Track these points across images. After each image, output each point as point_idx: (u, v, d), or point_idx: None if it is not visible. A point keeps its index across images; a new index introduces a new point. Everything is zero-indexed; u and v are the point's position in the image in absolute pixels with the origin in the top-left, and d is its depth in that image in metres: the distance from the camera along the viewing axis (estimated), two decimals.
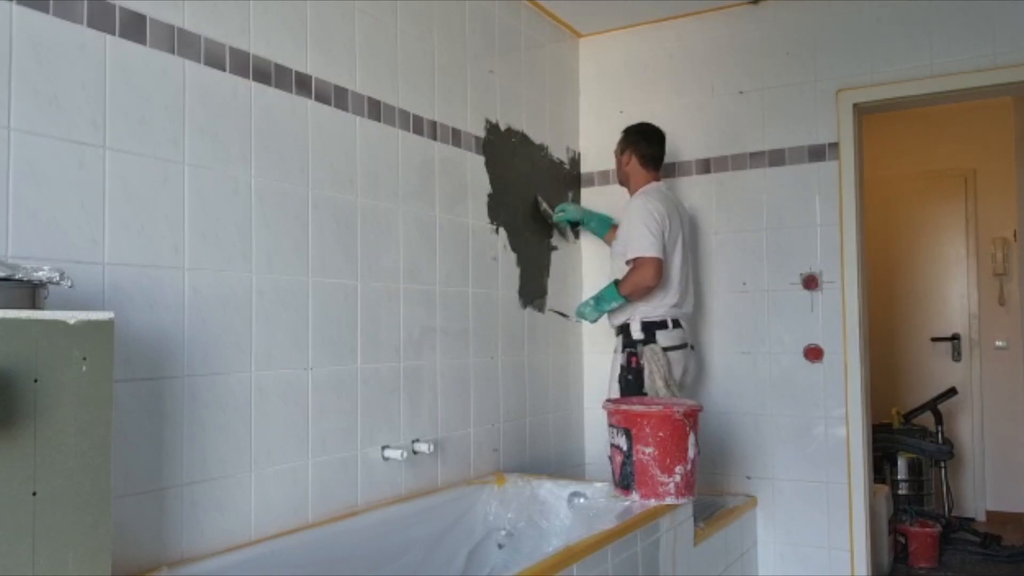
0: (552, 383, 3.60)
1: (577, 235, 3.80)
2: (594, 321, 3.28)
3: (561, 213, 3.55)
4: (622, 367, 3.10)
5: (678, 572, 2.61)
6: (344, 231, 2.50)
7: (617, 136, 3.34)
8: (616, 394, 3.10)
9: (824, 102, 3.37)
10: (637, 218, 3.04)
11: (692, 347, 3.26)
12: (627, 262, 3.08)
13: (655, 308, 3.08)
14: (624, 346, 3.12)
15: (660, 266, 3.00)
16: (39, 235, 1.71)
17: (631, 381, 3.04)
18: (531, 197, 3.48)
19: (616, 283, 3.10)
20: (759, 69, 3.51)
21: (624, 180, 3.32)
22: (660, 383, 2.98)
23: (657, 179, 3.24)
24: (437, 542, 2.69)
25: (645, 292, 3.05)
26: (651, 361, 3.01)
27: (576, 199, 3.84)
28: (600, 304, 3.17)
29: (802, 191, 3.40)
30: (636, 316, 3.09)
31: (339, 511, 2.42)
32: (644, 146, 3.23)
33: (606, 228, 3.55)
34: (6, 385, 1.19)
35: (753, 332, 3.48)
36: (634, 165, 3.24)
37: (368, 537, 2.41)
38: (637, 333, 3.07)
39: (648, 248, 3.00)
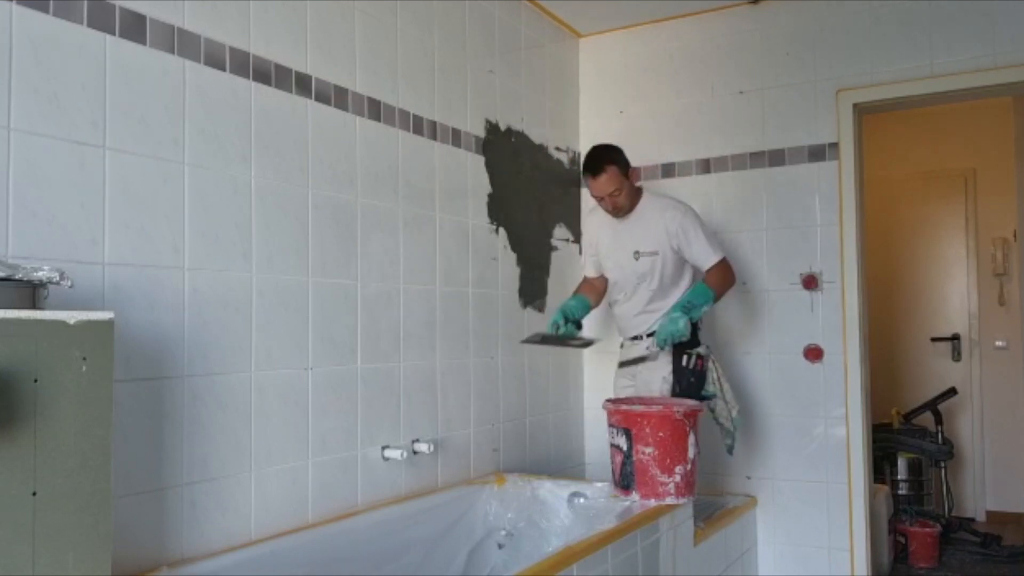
0: (552, 383, 3.60)
1: (582, 341, 3.24)
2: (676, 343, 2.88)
3: (561, 328, 3.02)
4: (685, 369, 2.94)
5: (678, 572, 2.61)
6: (344, 231, 2.50)
7: (617, 135, 3.30)
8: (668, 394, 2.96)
9: (824, 102, 3.37)
10: (695, 225, 2.95)
11: None
12: (709, 269, 2.93)
13: None
14: (686, 347, 2.93)
15: None
16: (39, 235, 1.71)
17: (692, 383, 2.94)
18: (532, 197, 3.48)
19: (703, 284, 2.90)
20: (759, 69, 3.51)
21: (631, 201, 3.03)
22: (727, 384, 2.98)
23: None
24: (437, 542, 2.69)
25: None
26: (717, 364, 2.99)
27: (576, 199, 3.83)
28: (692, 312, 2.84)
29: (802, 191, 3.40)
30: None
31: (339, 511, 2.42)
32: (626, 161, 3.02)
33: (585, 308, 3.13)
34: (6, 385, 1.19)
35: (753, 332, 3.48)
36: (631, 180, 3.03)
37: (368, 537, 2.41)
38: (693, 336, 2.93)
39: (722, 248, 3.01)
